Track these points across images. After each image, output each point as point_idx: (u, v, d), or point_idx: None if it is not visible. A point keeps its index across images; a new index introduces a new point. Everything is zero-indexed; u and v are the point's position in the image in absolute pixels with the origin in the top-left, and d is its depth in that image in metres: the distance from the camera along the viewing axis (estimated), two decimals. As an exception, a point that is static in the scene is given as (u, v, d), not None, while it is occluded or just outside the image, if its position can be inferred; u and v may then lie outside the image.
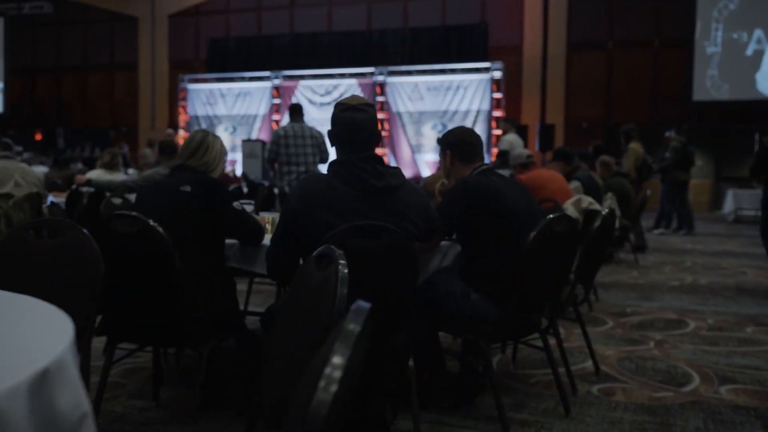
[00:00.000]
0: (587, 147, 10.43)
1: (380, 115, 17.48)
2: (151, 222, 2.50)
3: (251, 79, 18.86)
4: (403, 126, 17.58)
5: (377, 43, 18.50)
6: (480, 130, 16.53)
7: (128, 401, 3.21)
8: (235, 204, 2.87)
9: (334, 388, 0.85)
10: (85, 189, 6.36)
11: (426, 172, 16.50)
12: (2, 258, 2.27)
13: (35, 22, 21.51)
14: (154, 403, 3.14)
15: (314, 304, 1.52)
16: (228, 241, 2.98)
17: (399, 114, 17.61)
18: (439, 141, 3.29)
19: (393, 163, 17.55)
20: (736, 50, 15.80)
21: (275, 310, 2.70)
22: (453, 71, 17.07)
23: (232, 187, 7.18)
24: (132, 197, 4.52)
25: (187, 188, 2.79)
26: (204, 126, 19.35)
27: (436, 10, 18.32)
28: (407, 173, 16.75)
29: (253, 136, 18.24)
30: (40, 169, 12.66)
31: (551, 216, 2.83)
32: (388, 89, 17.61)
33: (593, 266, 3.77)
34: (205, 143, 3.02)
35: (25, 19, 21.08)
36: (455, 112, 16.93)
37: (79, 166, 12.17)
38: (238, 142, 17.29)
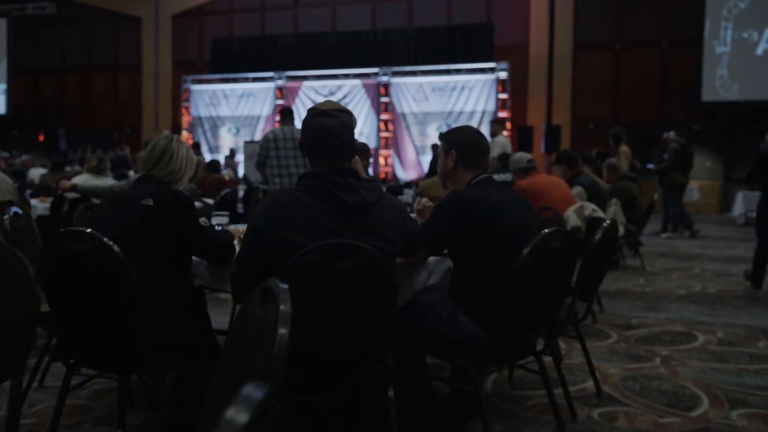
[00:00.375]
0: (590, 150, 10.18)
1: (384, 116, 17.28)
2: (105, 239, 2.28)
3: (254, 79, 18.72)
4: (407, 127, 17.38)
5: (381, 44, 18.31)
6: (486, 131, 16.30)
7: (93, 428, 2.99)
8: (202, 220, 2.64)
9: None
10: (72, 195, 6.17)
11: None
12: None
13: (38, 22, 21.43)
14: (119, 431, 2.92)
15: (253, 346, 1.30)
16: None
17: (403, 115, 17.41)
18: (444, 137, 2.99)
19: (398, 165, 17.36)
20: (746, 50, 15.49)
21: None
22: (458, 71, 16.87)
23: (225, 191, 6.97)
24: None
25: (149, 201, 2.57)
26: (207, 127, 19.21)
27: (441, 10, 18.08)
28: (411, 175, 16.64)
29: (257, 138, 18.07)
30: (39, 172, 12.52)
31: (546, 231, 2.60)
32: (392, 90, 17.42)
33: (594, 281, 3.53)
34: (169, 150, 2.79)
35: (28, 19, 21.00)
36: (460, 113, 16.71)
37: (77, 168, 11.96)
38: (242, 144, 17.13)
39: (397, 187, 10.46)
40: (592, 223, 4.86)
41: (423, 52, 17.81)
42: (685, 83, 15.88)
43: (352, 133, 2.40)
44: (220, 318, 4.82)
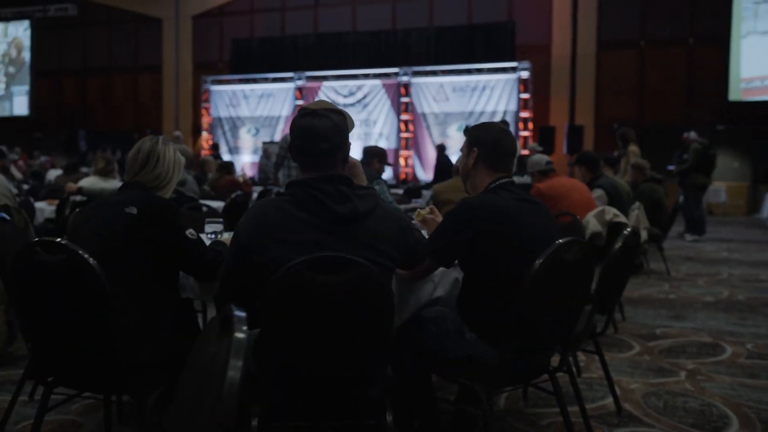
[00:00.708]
0: (613, 151, 9.91)
1: (404, 117, 17.09)
2: (80, 251, 2.11)
3: (274, 80, 18.64)
4: (428, 127, 17.18)
5: (402, 43, 18.13)
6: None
7: (78, 447, 2.84)
8: (189, 232, 2.46)
9: None
10: (79, 198, 6.05)
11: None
12: None
13: (60, 24, 21.50)
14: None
15: (203, 381, 1.12)
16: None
17: (424, 115, 17.21)
18: (468, 133, 2.77)
19: (417, 166, 17.15)
20: (775, 47, 15.08)
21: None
22: (479, 71, 16.63)
23: (236, 194, 6.80)
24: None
25: (133, 210, 2.39)
26: (227, 128, 19.15)
27: (462, 9, 17.85)
28: (431, 175, 16.43)
29: (276, 138, 17.98)
30: (57, 173, 12.47)
31: (560, 242, 2.39)
32: (412, 90, 17.24)
33: (615, 292, 3.31)
34: (155, 153, 2.60)
35: (50, 21, 21.08)
36: (481, 113, 16.47)
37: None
38: (261, 144, 17.04)
39: (415, 188, 10.27)
40: (614, 228, 4.64)
41: (444, 51, 17.60)
42: (712, 82, 15.49)
43: (345, 136, 2.20)
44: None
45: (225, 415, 0.96)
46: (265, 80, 18.78)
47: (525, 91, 16.12)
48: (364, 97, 17.69)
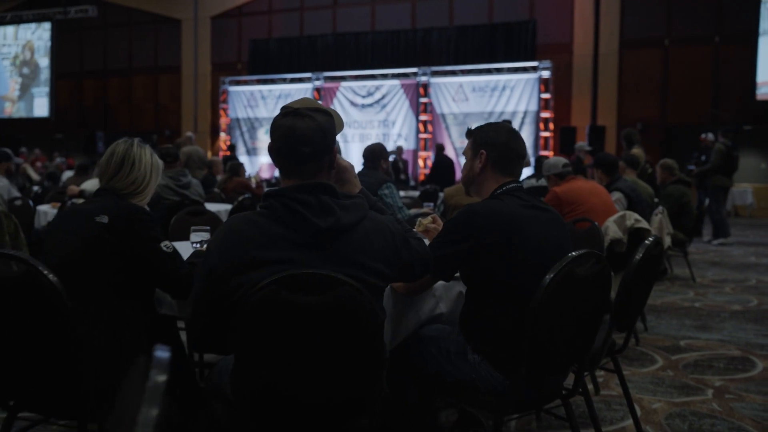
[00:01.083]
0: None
1: (423, 117, 16.85)
2: (37, 264, 1.91)
3: (292, 80, 18.51)
4: (447, 128, 16.92)
5: (421, 43, 17.92)
6: (527, 132, 15.76)
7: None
8: (164, 244, 2.25)
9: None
10: (81, 202, 5.88)
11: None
12: None
13: (81, 26, 21.54)
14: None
15: (129, 419, 0.93)
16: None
17: (443, 115, 16.97)
18: (474, 134, 2.49)
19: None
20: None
21: (222, 371, 2.09)
22: (499, 71, 16.37)
23: (243, 196, 6.60)
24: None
25: (104, 219, 2.19)
26: (245, 129, 19.03)
27: (482, 8, 17.59)
28: (451, 176, 16.17)
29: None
30: (69, 175, 12.39)
31: (572, 255, 2.15)
32: (431, 90, 17.00)
33: (635, 306, 3.05)
34: (130, 157, 2.39)
35: (71, 23, 21.12)
36: (501, 113, 16.19)
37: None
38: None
39: (432, 192, 10.01)
40: (635, 235, 4.37)
41: (463, 51, 17.37)
42: (739, 81, 15.09)
43: (331, 139, 1.94)
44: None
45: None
46: (283, 81, 18.65)
47: (546, 91, 15.82)
48: (383, 97, 17.48)
